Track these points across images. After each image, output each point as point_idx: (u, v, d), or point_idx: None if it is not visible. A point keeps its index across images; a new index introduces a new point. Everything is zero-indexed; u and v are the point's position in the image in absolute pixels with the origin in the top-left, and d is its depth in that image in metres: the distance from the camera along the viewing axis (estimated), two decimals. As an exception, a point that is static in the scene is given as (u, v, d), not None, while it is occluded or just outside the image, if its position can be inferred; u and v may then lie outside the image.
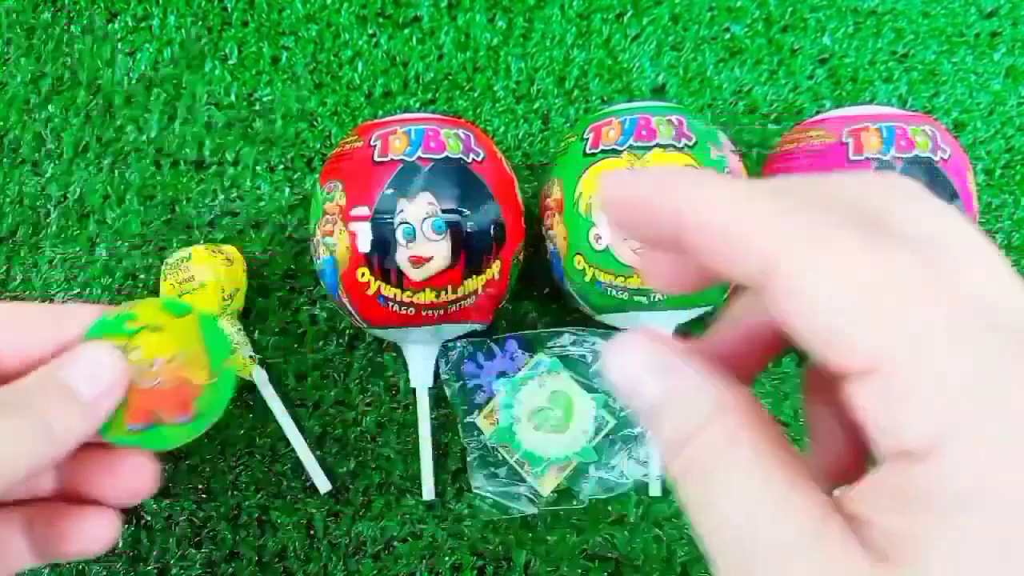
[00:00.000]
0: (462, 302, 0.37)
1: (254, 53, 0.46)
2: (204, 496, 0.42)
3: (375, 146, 0.37)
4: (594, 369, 0.42)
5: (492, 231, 0.37)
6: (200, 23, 0.46)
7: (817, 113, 0.43)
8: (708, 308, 0.39)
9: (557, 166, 0.39)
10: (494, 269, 0.37)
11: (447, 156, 0.36)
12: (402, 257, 0.36)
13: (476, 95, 0.46)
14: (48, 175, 0.45)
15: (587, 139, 0.37)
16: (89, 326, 0.33)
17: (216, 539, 0.42)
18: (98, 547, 0.32)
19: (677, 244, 0.17)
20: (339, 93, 0.46)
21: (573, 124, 0.43)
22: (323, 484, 0.42)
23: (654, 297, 0.37)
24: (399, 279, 0.36)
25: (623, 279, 0.36)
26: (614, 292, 0.37)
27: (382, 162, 0.36)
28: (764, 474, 0.16)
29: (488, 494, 0.41)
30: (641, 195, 0.18)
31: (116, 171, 0.45)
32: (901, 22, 0.47)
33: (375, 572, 0.42)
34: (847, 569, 0.14)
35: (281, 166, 0.45)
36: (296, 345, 0.43)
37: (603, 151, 0.37)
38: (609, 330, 0.42)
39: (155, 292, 0.43)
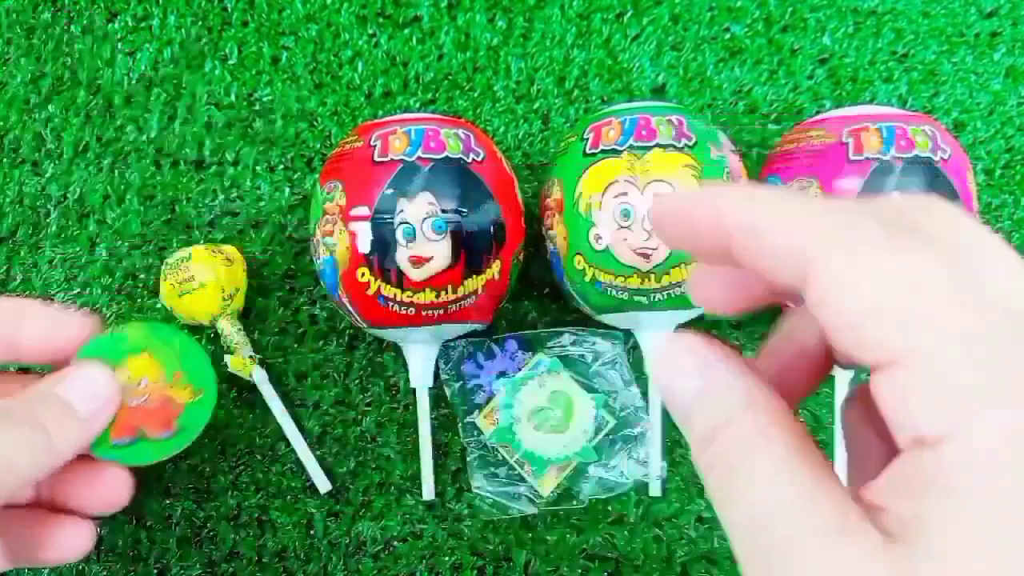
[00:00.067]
0: (462, 302, 0.37)
1: (254, 53, 0.46)
2: (204, 496, 0.42)
3: (375, 146, 0.37)
4: (594, 369, 0.42)
5: (492, 231, 0.37)
6: (200, 23, 0.46)
7: (817, 113, 0.43)
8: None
9: (557, 166, 0.39)
10: (494, 269, 0.37)
11: (447, 156, 0.36)
12: (402, 257, 0.36)
13: (476, 95, 0.46)
14: (48, 175, 0.45)
15: (587, 139, 0.37)
16: (82, 346, 0.36)
17: (216, 539, 0.42)
18: (74, 556, 0.34)
19: (726, 253, 0.18)
20: (339, 93, 0.46)
21: (573, 124, 0.43)
22: (323, 484, 0.42)
23: (654, 297, 0.37)
24: (399, 279, 0.36)
25: (623, 279, 0.36)
26: (614, 292, 0.37)
27: (382, 162, 0.36)
28: (789, 467, 0.16)
29: (488, 494, 0.41)
30: (687, 208, 0.19)
31: (116, 171, 0.45)
32: (901, 22, 0.47)
33: (375, 572, 0.42)
34: (860, 554, 0.15)
35: (281, 166, 0.45)
36: (296, 345, 0.43)
37: (603, 151, 0.37)
38: (609, 330, 0.42)
39: (155, 292, 0.43)
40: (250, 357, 0.41)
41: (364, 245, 0.36)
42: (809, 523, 0.16)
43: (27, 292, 0.44)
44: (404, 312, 0.37)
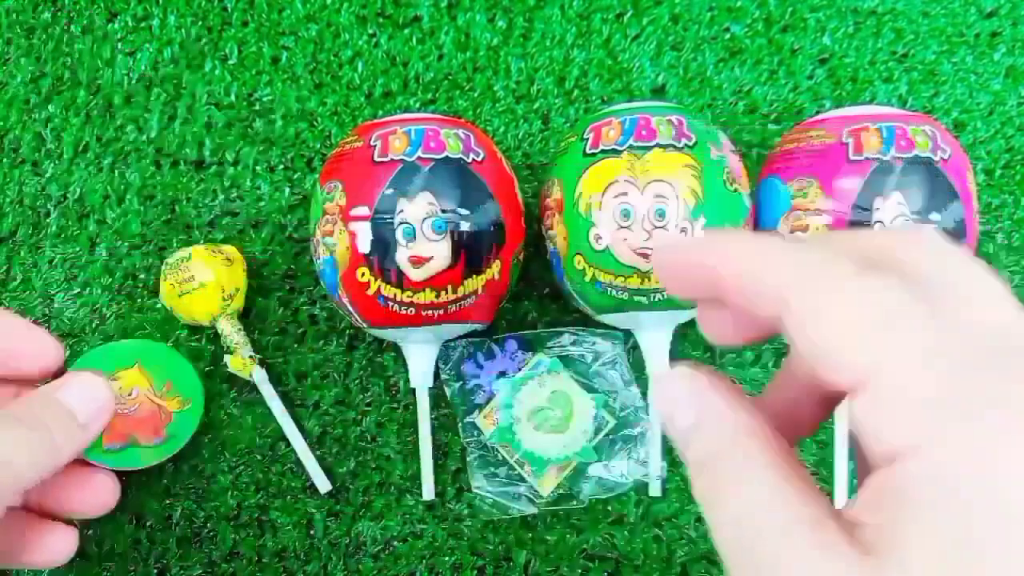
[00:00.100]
0: (462, 302, 0.37)
1: (254, 53, 0.46)
2: (204, 496, 0.42)
3: (375, 146, 0.37)
4: (594, 369, 0.42)
5: (492, 231, 0.37)
6: (200, 23, 0.46)
7: (817, 113, 0.43)
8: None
9: (557, 166, 0.39)
10: (494, 269, 0.37)
11: (447, 156, 0.36)
12: (402, 257, 0.36)
13: (476, 95, 0.46)
14: (48, 175, 0.45)
15: (587, 139, 0.37)
16: (79, 357, 0.39)
17: (216, 539, 0.42)
18: (60, 559, 0.36)
19: (718, 296, 0.20)
20: (339, 93, 0.46)
21: (573, 124, 0.43)
22: (323, 484, 0.42)
23: (654, 297, 0.37)
24: (399, 279, 0.36)
25: (623, 279, 0.36)
26: (614, 292, 0.37)
27: (382, 162, 0.36)
28: (774, 493, 0.18)
29: (488, 494, 0.41)
30: (680, 259, 0.21)
31: (116, 171, 0.45)
32: (901, 22, 0.47)
33: (375, 572, 0.42)
34: (835, 568, 0.16)
35: (281, 166, 0.45)
36: (296, 345, 0.43)
37: (603, 151, 0.37)
38: (609, 330, 0.42)
39: (155, 292, 0.43)
40: (250, 357, 0.41)
41: (364, 245, 0.36)
42: (791, 545, 0.17)
43: (27, 292, 0.44)
44: (404, 312, 0.37)
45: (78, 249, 0.44)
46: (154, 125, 0.45)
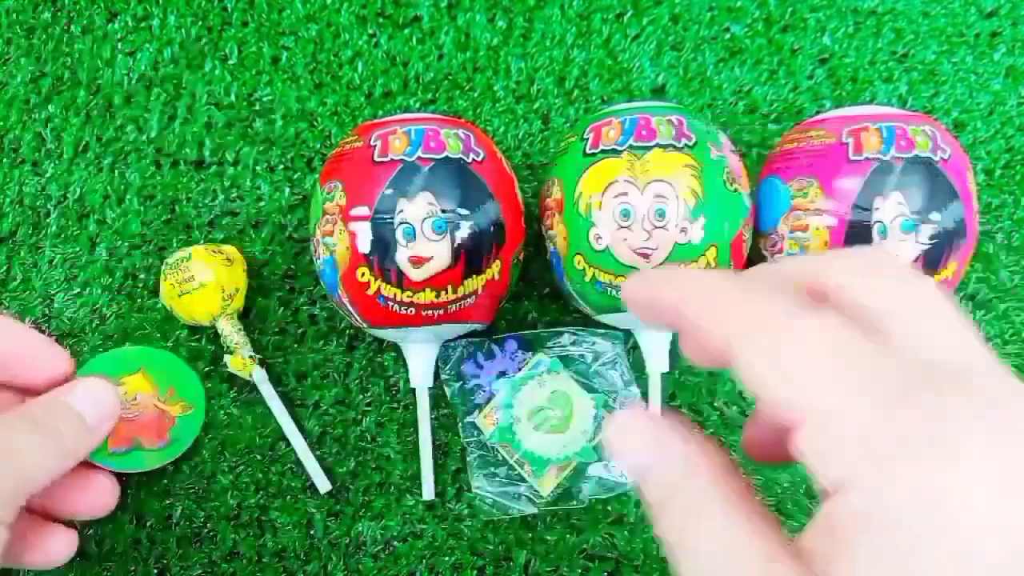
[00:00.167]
0: (462, 302, 0.37)
1: (254, 53, 0.46)
2: (204, 496, 0.42)
3: (375, 146, 0.37)
4: (594, 369, 0.42)
5: (492, 231, 0.37)
6: (200, 23, 0.46)
7: (817, 113, 0.43)
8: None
9: (557, 166, 0.39)
10: (494, 269, 0.37)
11: (447, 156, 0.36)
12: (402, 257, 0.36)
13: (476, 95, 0.46)
14: (48, 175, 0.45)
15: (587, 139, 0.37)
16: (85, 363, 0.40)
17: (216, 539, 0.42)
18: (60, 559, 0.37)
19: (680, 329, 0.21)
20: (339, 93, 0.46)
21: (573, 124, 0.43)
22: (323, 484, 0.42)
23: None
24: (399, 279, 0.36)
25: (623, 279, 0.36)
26: (614, 292, 0.37)
27: (382, 162, 0.36)
28: (727, 524, 0.19)
29: (488, 494, 0.41)
30: (645, 293, 0.22)
31: (116, 171, 0.45)
32: (901, 22, 0.47)
33: (375, 572, 0.42)
34: None
35: (281, 166, 0.45)
36: (296, 345, 0.43)
37: (603, 151, 0.37)
38: (609, 330, 0.42)
39: (155, 292, 0.43)
40: (250, 357, 0.41)
41: (364, 245, 0.36)
42: (742, 571, 0.18)
43: (27, 292, 0.44)
44: (404, 312, 0.37)
45: (78, 249, 0.44)
46: (154, 125, 0.45)
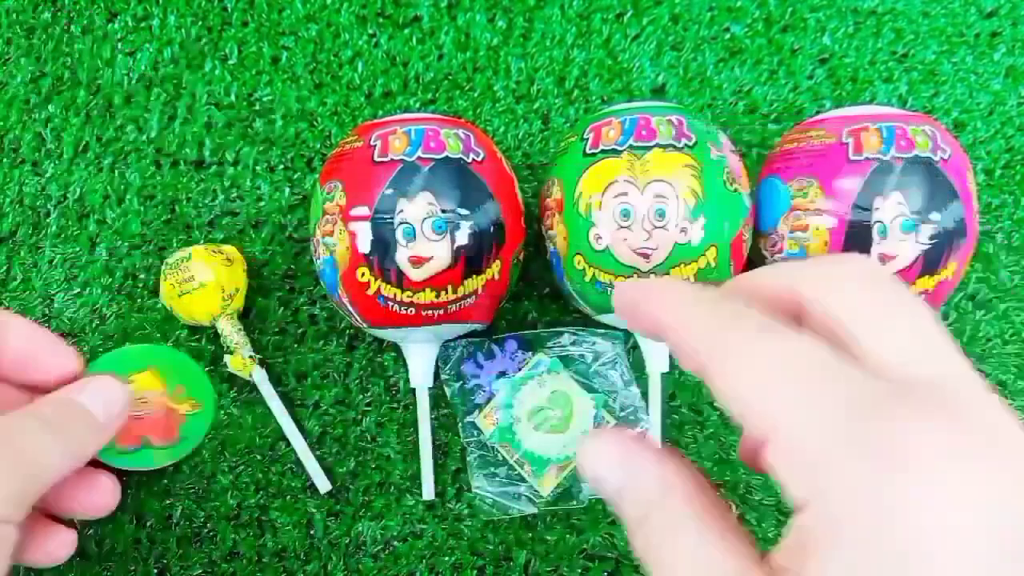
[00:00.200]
0: (462, 302, 0.37)
1: (254, 53, 0.46)
2: (204, 496, 0.42)
3: (375, 146, 0.37)
4: (594, 369, 0.42)
5: (492, 231, 0.37)
6: (200, 23, 0.46)
7: (817, 113, 0.43)
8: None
9: (557, 166, 0.39)
10: (494, 269, 0.37)
11: (447, 156, 0.36)
12: (402, 257, 0.36)
13: (476, 95, 0.46)
14: (48, 175, 0.45)
15: (587, 139, 0.37)
16: (95, 361, 0.40)
17: (216, 539, 0.42)
18: (60, 559, 0.37)
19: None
20: (339, 93, 0.46)
21: (573, 124, 0.43)
22: (323, 484, 0.42)
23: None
24: (399, 279, 0.36)
25: (623, 279, 0.36)
26: (614, 292, 0.37)
27: (382, 162, 0.36)
28: (701, 542, 0.19)
29: (488, 494, 0.41)
30: (631, 309, 0.23)
31: (116, 171, 0.45)
32: (901, 22, 0.47)
33: (375, 572, 0.42)
34: None
35: (281, 166, 0.45)
36: (296, 345, 0.43)
37: (603, 151, 0.37)
38: (609, 330, 0.42)
39: (155, 292, 0.43)
40: (250, 357, 0.41)
41: (364, 245, 0.36)
42: None
43: (27, 292, 0.44)
44: (404, 312, 0.37)
45: (78, 249, 0.44)
46: (154, 125, 0.45)
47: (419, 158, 0.36)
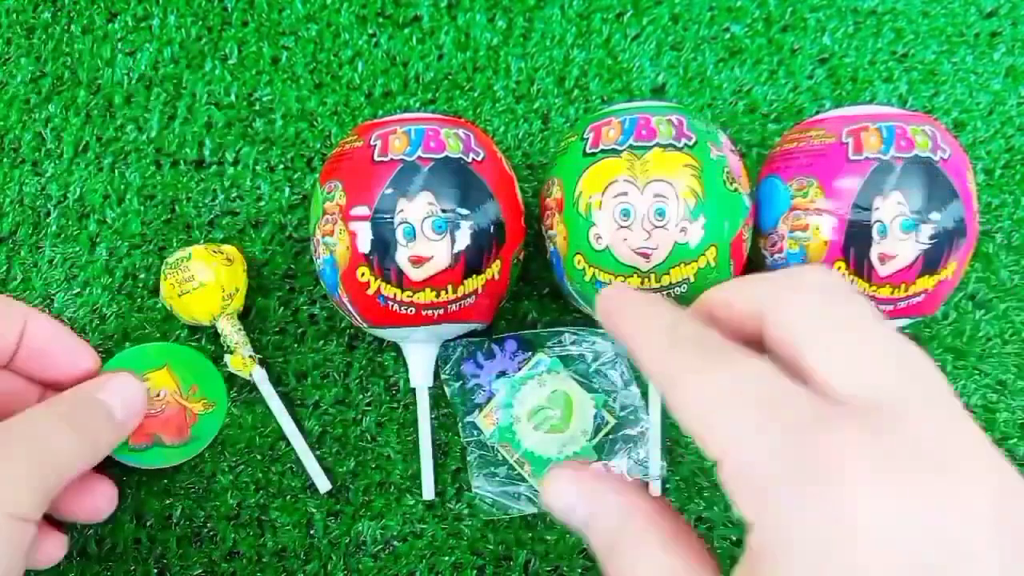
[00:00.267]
0: (462, 302, 0.37)
1: (254, 53, 0.46)
2: (204, 496, 0.42)
3: (375, 146, 0.37)
4: (594, 369, 0.42)
5: (492, 231, 0.37)
6: (200, 23, 0.46)
7: (817, 113, 0.43)
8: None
9: (557, 166, 0.39)
10: (494, 269, 0.37)
11: (447, 156, 0.36)
12: (402, 257, 0.36)
13: (476, 95, 0.46)
14: (48, 175, 0.45)
15: (587, 139, 0.37)
16: (111, 358, 0.40)
17: (216, 539, 0.42)
18: (51, 562, 0.37)
19: None
20: (339, 93, 0.46)
21: (573, 124, 0.43)
22: (323, 484, 0.42)
23: (654, 297, 0.37)
24: (399, 279, 0.36)
25: (623, 279, 0.36)
26: (614, 292, 0.37)
27: (382, 162, 0.36)
28: (664, 565, 0.20)
29: (488, 494, 0.41)
30: (605, 315, 0.25)
31: (116, 171, 0.45)
32: (901, 22, 0.47)
33: (375, 572, 0.42)
34: None
35: (281, 166, 0.45)
36: (296, 345, 0.43)
37: (603, 151, 0.37)
38: (609, 330, 0.42)
39: (155, 292, 0.43)
40: (250, 357, 0.41)
41: (364, 245, 0.36)
42: None
43: (27, 292, 0.44)
44: (404, 312, 0.37)
45: (78, 249, 0.44)
46: (154, 125, 0.45)
47: (419, 158, 0.36)
